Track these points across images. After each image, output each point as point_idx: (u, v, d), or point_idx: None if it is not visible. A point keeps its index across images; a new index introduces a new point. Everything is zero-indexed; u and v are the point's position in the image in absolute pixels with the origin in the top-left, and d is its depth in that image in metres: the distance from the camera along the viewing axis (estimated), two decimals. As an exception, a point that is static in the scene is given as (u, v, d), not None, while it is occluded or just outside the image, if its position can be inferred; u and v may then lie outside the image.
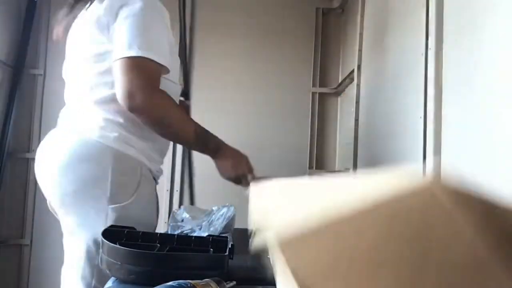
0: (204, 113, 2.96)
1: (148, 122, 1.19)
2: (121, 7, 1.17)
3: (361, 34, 2.32)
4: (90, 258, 1.17)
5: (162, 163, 1.38)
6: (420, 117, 1.39)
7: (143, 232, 1.52)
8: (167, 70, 1.22)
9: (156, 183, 1.41)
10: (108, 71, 1.17)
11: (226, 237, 1.53)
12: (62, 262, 1.32)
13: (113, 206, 1.16)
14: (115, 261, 1.27)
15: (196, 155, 2.89)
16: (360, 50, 2.33)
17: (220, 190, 2.81)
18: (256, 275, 1.02)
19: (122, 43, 1.14)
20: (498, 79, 1.03)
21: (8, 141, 2.71)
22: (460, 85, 1.21)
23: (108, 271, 1.31)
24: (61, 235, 1.33)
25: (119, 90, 1.12)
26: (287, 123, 2.94)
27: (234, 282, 1.12)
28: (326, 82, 2.99)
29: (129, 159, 1.20)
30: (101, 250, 1.41)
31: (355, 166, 2.30)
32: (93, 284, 1.17)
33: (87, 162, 1.17)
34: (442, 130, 1.28)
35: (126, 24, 1.15)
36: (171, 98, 1.23)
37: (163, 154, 1.38)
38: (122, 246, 1.31)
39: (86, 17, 1.25)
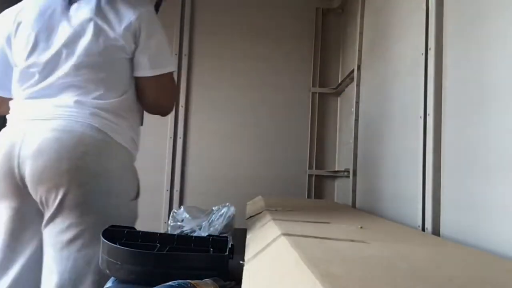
0: (204, 112, 2.97)
1: None
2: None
3: (361, 34, 2.32)
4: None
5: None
6: (420, 117, 1.39)
7: (143, 232, 1.53)
8: None
9: None
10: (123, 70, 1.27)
11: (226, 237, 1.53)
12: None
13: (133, 201, 1.31)
14: (115, 261, 1.27)
15: (193, 157, 2.89)
16: (360, 50, 2.33)
17: (220, 190, 2.82)
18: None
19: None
20: (498, 79, 1.03)
21: None
22: (460, 85, 1.21)
23: (108, 271, 1.32)
24: None
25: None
26: (287, 123, 2.94)
27: (234, 282, 1.12)
28: (326, 82, 2.99)
29: (132, 158, 1.34)
30: (100, 250, 1.41)
31: (355, 166, 2.30)
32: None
33: (112, 161, 1.23)
34: (442, 130, 1.28)
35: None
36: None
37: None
38: (122, 246, 1.31)
39: (80, 16, 1.22)
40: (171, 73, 1.33)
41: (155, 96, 1.33)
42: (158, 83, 1.30)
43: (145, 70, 1.26)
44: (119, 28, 1.21)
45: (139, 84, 1.30)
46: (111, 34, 1.20)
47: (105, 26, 1.20)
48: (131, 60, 1.26)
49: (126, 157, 1.31)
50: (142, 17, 1.23)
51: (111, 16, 1.22)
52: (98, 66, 1.21)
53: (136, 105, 1.33)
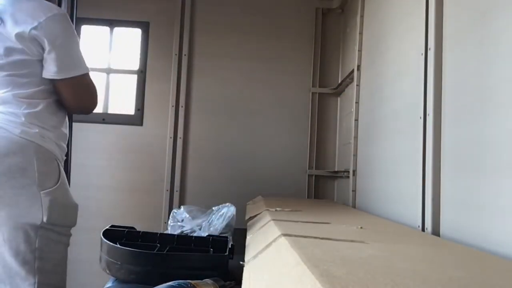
0: (204, 112, 2.97)
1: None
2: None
3: (361, 34, 2.33)
4: (31, 243, 1.28)
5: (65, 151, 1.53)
6: (420, 117, 1.39)
7: (143, 232, 1.53)
8: None
9: None
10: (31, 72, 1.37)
11: (226, 237, 1.53)
12: None
13: (43, 191, 1.30)
14: (115, 261, 1.28)
15: (193, 157, 2.89)
16: (360, 50, 2.33)
17: (220, 190, 2.83)
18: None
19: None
20: (498, 79, 1.03)
21: None
22: (460, 85, 1.21)
23: (108, 271, 1.32)
24: None
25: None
26: (287, 123, 2.94)
27: (234, 282, 1.12)
28: (326, 82, 2.99)
29: (46, 151, 1.35)
30: (100, 250, 1.41)
31: (355, 166, 2.30)
32: (36, 266, 1.28)
33: (13, 156, 1.29)
34: (442, 130, 1.28)
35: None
36: None
37: (65, 143, 1.53)
38: (122, 246, 1.31)
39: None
40: (83, 75, 1.42)
41: (70, 97, 1.43)
42: (69, 85, 1.40)
43: (51, 73, 1.36)
44: (15, 32, 1.30)
45: (54, 86, 1.40)
46: (9, 37, 1.32)
47: (3, 30, 1.32)
48: (41, 62, 1.37)
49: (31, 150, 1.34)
50: (42, 25, 1.32)
51: (10, 22, 1.32)
52: (1, 67, 1.34)
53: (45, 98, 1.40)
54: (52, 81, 1.39)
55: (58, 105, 1.44)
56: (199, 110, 2.94)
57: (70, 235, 1.41)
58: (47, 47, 1.33)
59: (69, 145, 1.64)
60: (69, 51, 1.40)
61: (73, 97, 1.44)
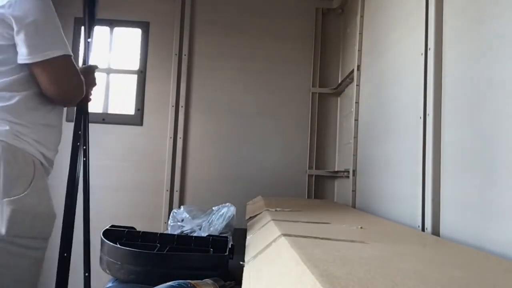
0: (204, 112, 2.97)
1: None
2: None
3: (361, 34, 2.32)
4: None
5: (56, 152, 1.37)
6: (420, 117, 1.39)
7: (143, 232, 1.53)
8: None
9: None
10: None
11: (226, 237, 1.53)
12: None
13: (7, 199, 1.14)
14: (115, 261, 1.28)
15: (193, 157, 2.89)
16: (360, 50, 2.33)
17: (220, 190, 2.83)
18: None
19: None
20: (498, 79, 1.03)
21: None
22: (460, 85, 1.21)
23: (108, 271, 1.32)
24: None
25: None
26: (287, 123, 2.94)
27: (234, 282, 1.12)
28: (326, 82, 3.00)
29: (21, 152, 1.20)
30: (100, 250, 1.41)
31: (355, 166, 2.30)
32: None
33: None
34: (442, 130, 1.28)
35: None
36: None
37: (56, 145, 1.37)
38: (122, 246, 1.31)
39: None
40: (60, 57, 1.24)
41: (47, 84, 1.24)
42: (44, 70, 1.23)
43: (23, 57, 1.20)
44: None
45: (30, 71, 1.24)
46: None
47: None
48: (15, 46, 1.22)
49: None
50: (11, 3, 1.18)
51: None
52: None
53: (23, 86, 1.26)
54: (29, 67, 1.22)
55: (43, 98, 1.28)
56: (199, 110, 2.94)
57: (41, 248, 1.24)
58: (15, 27, 1.17)
59: (87, 144, 1.54)
60: (41, 30, 1.21)
61: (50, 84, 1.24)
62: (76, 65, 1.31)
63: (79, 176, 1.47)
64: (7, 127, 1.19)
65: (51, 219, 1.27)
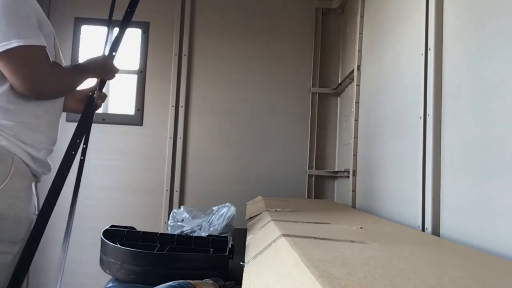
0: (204, 112, 2.97)
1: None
2: None
3: (361, 34, 2.32)
4: None
5: (50, 152, 1.30)
6: (420, 117, 1.39)
7: (143, 232, 1.53)
8: None
9: (37, 180, 1.31)
10: None
11: (226, 237, 1.53)
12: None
13: None
14: (115, 261, 1.27)
15: (193, 157, 2.89)
16: (360, 50, 2.33)
17: (220, 190, 2.83)
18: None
19: None
20: (498, 79, 1.03)
21: None
22: (460, 85, 1.21)
23: (108, 271, 1.32)
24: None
25: None
26: (287, 123, 2.94)
27: (234, 282, 1.12)
28: (326, 82, 3.00)
29: None
30: (101, 250, 1.40)
31: (355, 166, 2.30)
32: None
33: None
34: (442, 130, 1.28)
35: None
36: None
37: (47, 144, 1.29)
38: (122, 246, 1.30)
39: None
40: (20, 48, 1.13)
41: (11, 78, 1.16)
42: (5, 63, 1.14)
43: None
44: None
45: None
46: None
47: None
48: None
49: None
50: None
51: None
52: None
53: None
54: None
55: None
56: (199, 110, 2.94)
57: (9, 252, 1.15)
58: None
59: (87, 143, 1.46)
60: None
61: (13, 77, 1.15)
62: (47, 55, 1.21)
63: (67, 174, 1.33)
64: None
65: (24, 223, 1.18)
